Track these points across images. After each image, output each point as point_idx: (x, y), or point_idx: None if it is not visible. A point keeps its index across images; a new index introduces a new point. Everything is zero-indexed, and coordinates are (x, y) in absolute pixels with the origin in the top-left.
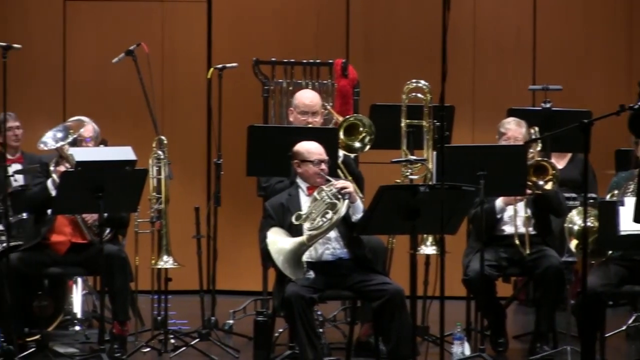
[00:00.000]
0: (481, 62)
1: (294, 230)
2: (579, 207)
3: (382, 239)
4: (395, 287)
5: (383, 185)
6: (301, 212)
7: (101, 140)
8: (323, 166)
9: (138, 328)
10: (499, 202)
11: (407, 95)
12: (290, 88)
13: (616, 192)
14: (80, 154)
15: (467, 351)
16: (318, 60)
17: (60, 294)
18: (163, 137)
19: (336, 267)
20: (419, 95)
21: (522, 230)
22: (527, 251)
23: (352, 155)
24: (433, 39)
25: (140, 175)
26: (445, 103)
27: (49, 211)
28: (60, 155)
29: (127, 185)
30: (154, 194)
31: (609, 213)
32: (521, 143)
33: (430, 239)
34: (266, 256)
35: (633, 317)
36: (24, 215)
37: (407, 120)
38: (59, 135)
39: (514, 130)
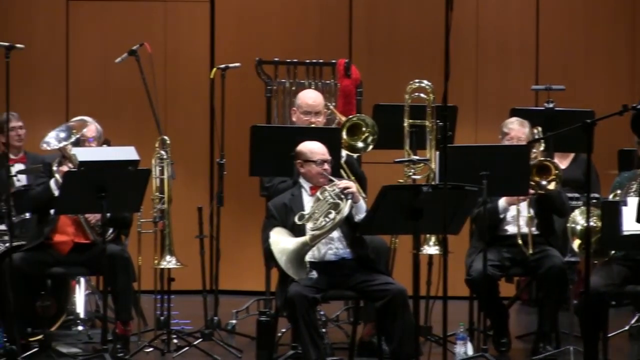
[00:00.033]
0: (484, 62)
1: (296, 230)
2: (582, 207)
3: (384, 239)
4: (398, 287)
5: (386, 185)
6: (304, 212)
7: (104, 140)
8: (326, 166)
9: (141, 328)
10: (502, 202)
11: (410, 95)
12: (293, 88)
13: (619, 192)
14: (83, 154)
15: (470, 351)
16: (321, 60)
17: (63, 294)
18: (166, 137)
19: (339, 267)
20: (422, 95)
21: (525, 230)
22: (530, 251)
23: (355, 155)
24: (436, 39)
25: (143, 175)
26: (448, 103)
27: (52, 211)
28: (63, 155)
29: (129, 185)
30: (157, 193)
31: (611, 213)
32: (524, 143)
33: (433, 239)
34: (269, 256)
35: (636, 317)
36: (27, 215)
37: (410, 120)
38: (62, 135)
39: (517, 130)
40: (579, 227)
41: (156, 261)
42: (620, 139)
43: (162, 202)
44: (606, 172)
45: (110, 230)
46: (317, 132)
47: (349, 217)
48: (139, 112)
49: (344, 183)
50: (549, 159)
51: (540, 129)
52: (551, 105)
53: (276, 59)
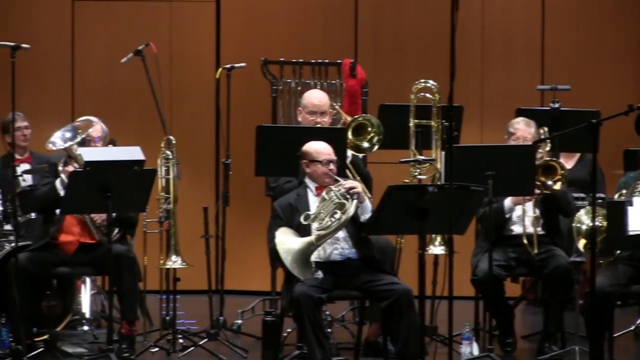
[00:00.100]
0: (490, 62)
1: (302, 230)
2: (588, 207)
3: (390, 239)
4: (403, 287)
5: (391, 185)
6: (310, 212)
7: (110, 140)
8: (331, 166)
9: (146, 328)
10: (508, 202)
11: (416, 95)
12: (299, 88)
13: (624, 191)
14: (89, 153)
15: (476, 351)
16: (326, 60)
17: (68, 294)
18: (171, 137)
19: (344, 267)
20: (428, 95)
21: (530, 230)
22: (536, 251)
23: (361, 155)
24: (441, 38)
25: (148, 175)
26: (454, 103)
27: (58, 211)
28: (68, 155)
29: (135, 185)
30: (163, 193)
31: (617, 213)
32: (530, 143)
33: (438, 238)
34: (275, 256)
35: None
36: (33, 215)
37: (416, 120)
38: (68, 135)
39: (522, 130)
40: (584, 227)
41: (162, 261)
42: (626, 139)
43: (168, 202)
44: (612, 172)
45: (116, 230)
46: (323, 132)
47: (355, 217)
48: (144, 112)
49: (349, 183)
50: (554, 159)
51: (546, 129)
52: (557, 105)
53: (282, 59)
